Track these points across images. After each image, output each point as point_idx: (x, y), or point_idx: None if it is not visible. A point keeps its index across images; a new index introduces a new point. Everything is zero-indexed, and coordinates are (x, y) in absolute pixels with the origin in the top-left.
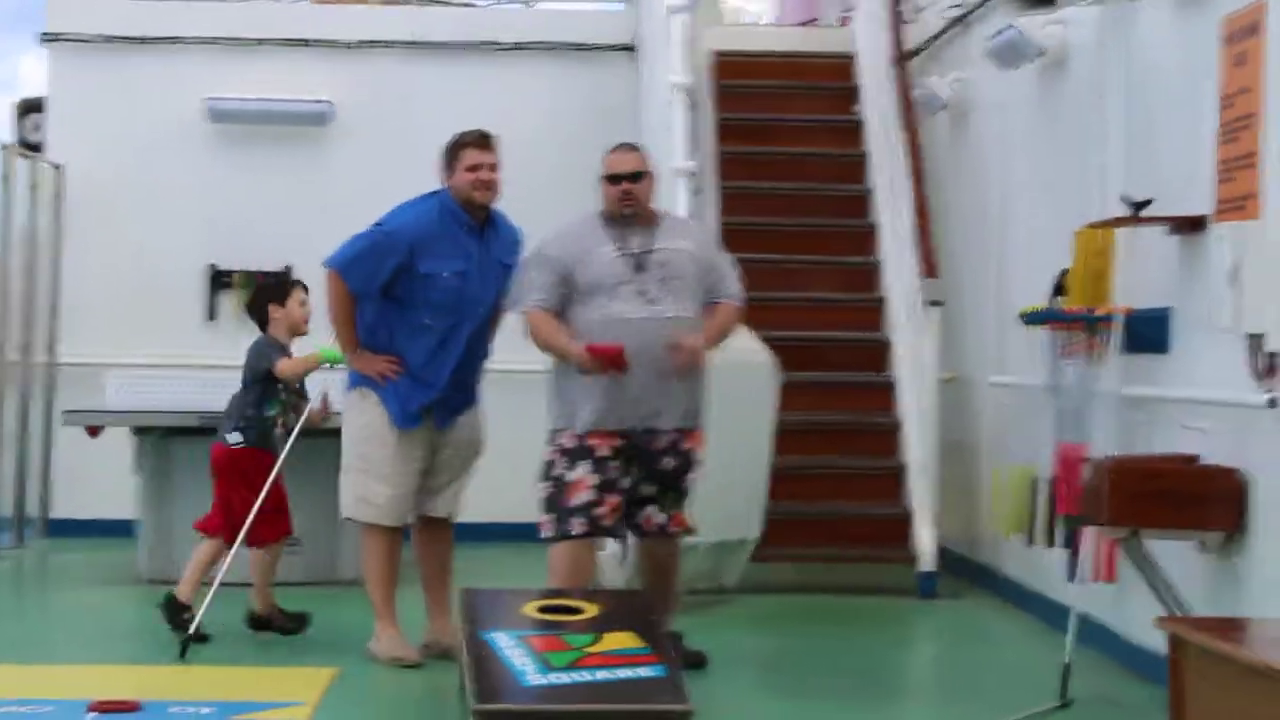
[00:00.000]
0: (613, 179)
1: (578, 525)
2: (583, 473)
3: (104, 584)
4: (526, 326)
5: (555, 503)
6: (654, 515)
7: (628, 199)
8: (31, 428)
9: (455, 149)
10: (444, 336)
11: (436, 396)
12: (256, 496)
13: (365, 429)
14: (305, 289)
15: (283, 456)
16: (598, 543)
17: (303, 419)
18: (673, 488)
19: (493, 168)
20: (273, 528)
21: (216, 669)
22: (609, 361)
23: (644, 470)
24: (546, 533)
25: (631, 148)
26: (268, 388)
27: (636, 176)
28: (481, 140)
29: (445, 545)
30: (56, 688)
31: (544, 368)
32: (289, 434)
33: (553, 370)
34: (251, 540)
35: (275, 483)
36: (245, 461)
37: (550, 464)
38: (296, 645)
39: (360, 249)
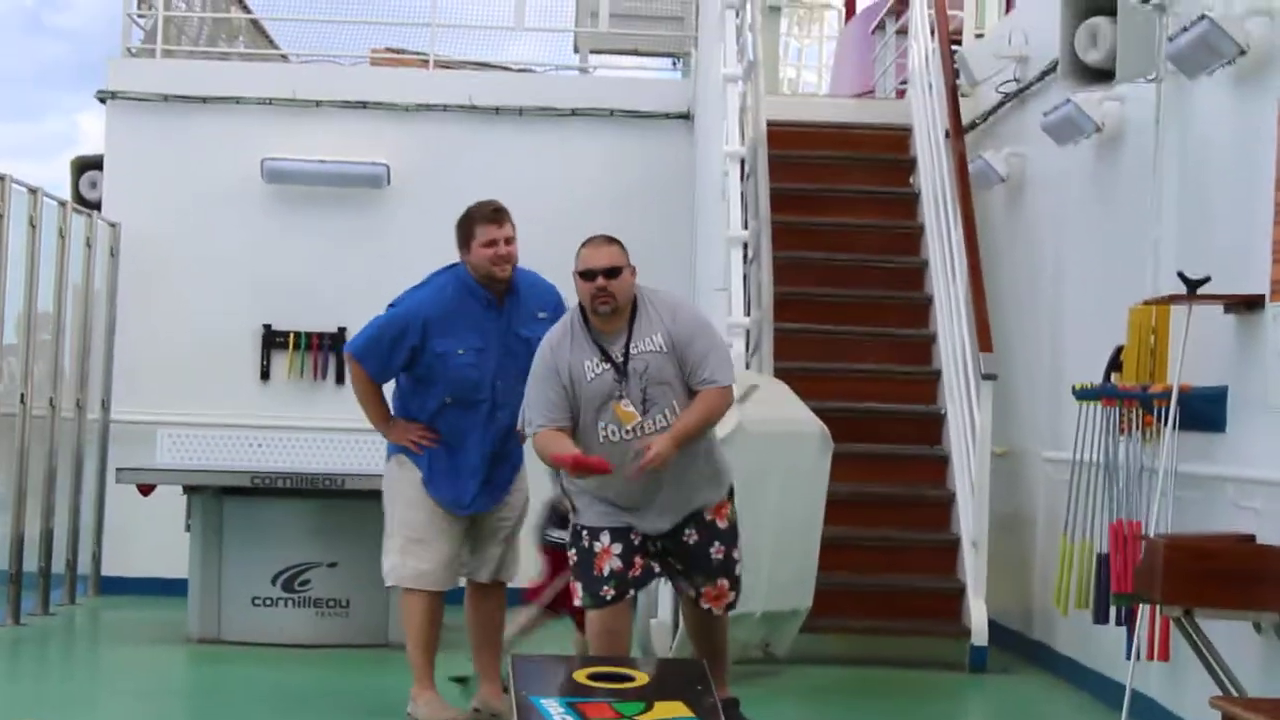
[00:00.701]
0: (586, 275)
1: (608, 591)
2: (606, 542)
3: (154, 642)
4: (535, 446)
5: (583, 572)
6: (685, 587)
7: (603, 296)
8: (84, 485)
9: (469, 225)
10: (468, 414)
11: (475, 483)
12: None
13: (403, 496)
14: None
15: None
16: (648, 610)
17: None
18: (700, 562)
19: (509, 241)
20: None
21: None
22: (593, 470)
23: (667, 545)
24: (579, 601)
25: (609, 240)
26: None
27: (613, 272)
28: (494, 215)
29: (496, 609)
30: None
31: None
32: None
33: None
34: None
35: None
36: None
37: (577, 533)
38: (344, 709)
39: (373, 336)
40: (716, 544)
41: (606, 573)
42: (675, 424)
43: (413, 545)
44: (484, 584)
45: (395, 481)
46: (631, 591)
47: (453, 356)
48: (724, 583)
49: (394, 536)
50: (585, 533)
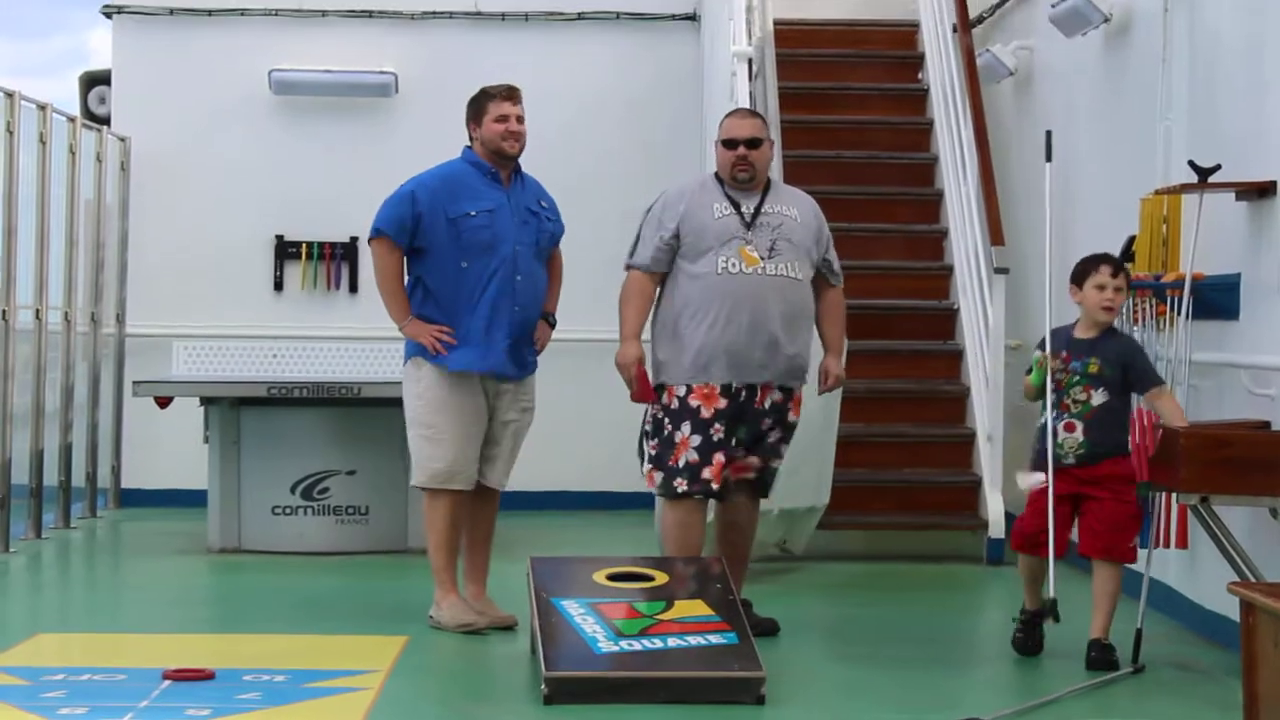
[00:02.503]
0: (729, 144)
1: (681, 484)
2: (686, 433)
3: (175, 553)
4: (625, 283)
5: (662, 461)
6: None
7: (743, 165)
8: (102, 398)
9: (482, 101)
10: (483, 275)
11: (486, 326)
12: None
13: (422, 398)
14: (1117, 268)
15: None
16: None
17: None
18: (764, 449)
19: (520, 119)
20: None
21: (288, 637)
22: (641, 391)
23: (748, 433)
24: (653, 489)
25: (751, 113)
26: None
27: (754, 143)
28: (509, 92)
29: (491, 514)
30: (131, 656)
31: (603, 336)
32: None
33: (663, 309)
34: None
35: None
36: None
37: (658, 422)
38: (366, 614)
39: (392, 202)
40: (783, 435)
41: (681, 464)
42: (831, 343)
43: (432, 446)
44: (484, 489)
45: (413, 383)
46: (703, 495)
47: (467, 219)
48: (758, 462)
49: (416, 440)
50: (667, 418)
